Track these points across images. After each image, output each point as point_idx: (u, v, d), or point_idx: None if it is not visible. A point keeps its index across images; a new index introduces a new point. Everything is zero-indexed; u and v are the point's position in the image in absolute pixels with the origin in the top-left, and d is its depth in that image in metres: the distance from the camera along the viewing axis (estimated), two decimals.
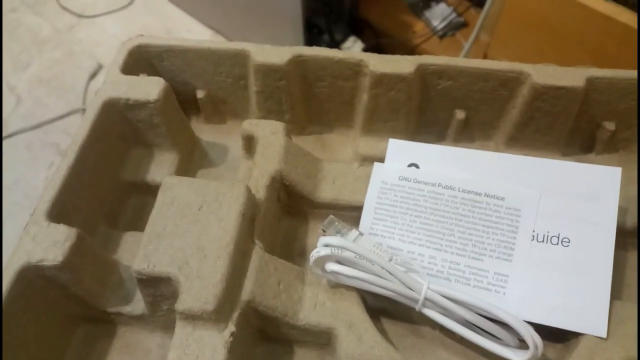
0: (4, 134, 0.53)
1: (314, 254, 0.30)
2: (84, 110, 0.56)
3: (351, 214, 0.36)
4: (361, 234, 0.33)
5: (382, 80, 0.38)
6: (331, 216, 0.34)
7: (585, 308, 0.30)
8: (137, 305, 0.32)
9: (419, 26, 0.72)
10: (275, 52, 0.39)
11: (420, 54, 0.39)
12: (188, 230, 0.30)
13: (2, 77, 0.58)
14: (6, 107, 0.56)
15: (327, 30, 0.64)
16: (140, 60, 0.41)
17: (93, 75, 0.58)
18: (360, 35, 0.70)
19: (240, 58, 0.40)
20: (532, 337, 0.28)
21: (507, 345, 0.30)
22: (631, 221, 0.35)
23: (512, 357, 0.29)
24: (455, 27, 0.72)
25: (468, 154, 0.36)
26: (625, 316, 0.30)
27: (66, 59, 0.61)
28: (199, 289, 0.28)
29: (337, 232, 0.33)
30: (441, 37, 0.69)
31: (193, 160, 0.42)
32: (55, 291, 0.30)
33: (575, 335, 0.31)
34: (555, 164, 0.34)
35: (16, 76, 0.58)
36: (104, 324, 0.33)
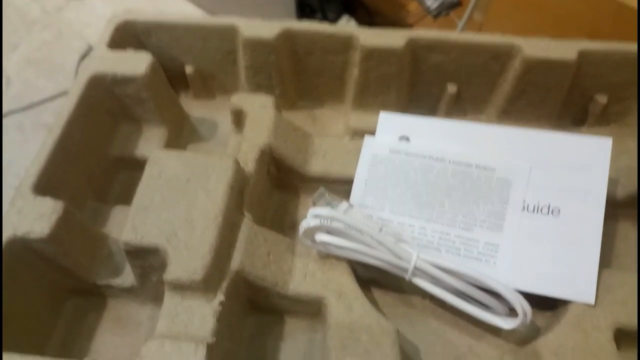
0: None
1: (304, 225, 0.30)
2: None
3: (342, 187, 0.36)
4: (351, 206, 0.33)
5: (373, 54, 0.38)
6: (321, 188, 0.34)
7: (574, 276, 0.30)
8: (127, 277, 0.32)
9: (412, 5, 0.71)
10: (265, 26, 0.39)
11: None
12: (176, 202, 0.30)
13: None
14: None
15: (319, 9, 0.63)
16: (127, 37, 0.41)
17: (83, 56, 0.57)
18: (353, 14, 0.69)
19: (229, 33, 0.40)
20: (521, 305, 0.28)
21: (496, 313, 0.30)
22: (622, 192, 0.35)
23: (501, 325, 0.29)
24: (449, 7, 0.71)
25: (459, 126, 0.36)
26: (613, 284, 0.31)
27: (55, 40, 0.60)
28: (187, 260, 0.27)
29: (327, 204, 0.33)
30: (435, 16, 0.68)
31: (182, 135, 0.42)
32: (43, 264, 0.30)
33: (564, 303, 0.31)
34: (546, 135, 0.34)
35: (5, 57, 0.58)
36: (94, 296, 0.33)
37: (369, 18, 0.64)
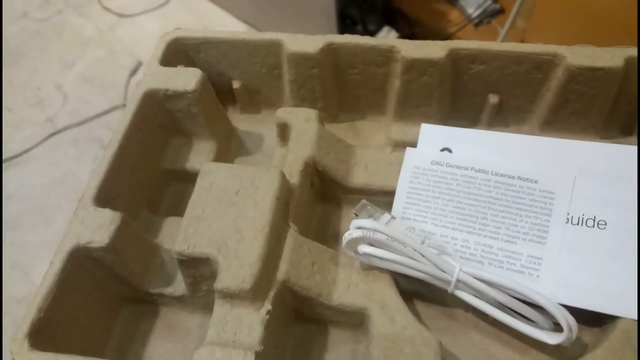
0: (52, 131, 0.56)
1: (347, 236, 0.31)
2: (124, 105, 0.58)
3: (384, 199, 0.37)
4: (393, 217, 0.34)
5: (414, 66, 0.38)
6: (363, 200, 0.35)
7: (621, 291, 0.30)
8: (178, 286, 0.34)
9: (453, 14, 0.71)
10: (308, 41, 0.40)
11: None
12: (226, 213, 0.31)
13: (49, 77, 0.62)
14: (54, 104, 0.59)
15: (360, 21, 0.64)
16: (177, 53, 0.43)
17: (133, 72, 0.60)
18: (394, 25, 0.70)
19: (274, 48, 0.41)
20: (567, 319, 0.28)
21: (540, 327, 0.30)
22: None
23: (545, 339, 0.29)
24: (491, 14, 0.70)
25: (500, 137, 0.36)
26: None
27: (108, 57, 0.63)
28: (237, 269, 0.29)
29: (370, 216, 0.34)
30: (476, 24, 0.68)
31: (230, 148, 0.43)
32: (102, 272, 0.32)
33: (612, 319, 0.30)
34: (589, 146, 0.34)
35: (62, 75, 0.62)
36: (147, 304, 0.35)
37: (409, 28, 0.64)
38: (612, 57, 0.37)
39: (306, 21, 0.60)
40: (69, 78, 0.62)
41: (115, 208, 0.32)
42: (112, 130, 0.36)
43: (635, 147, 0.33)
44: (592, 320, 0.31)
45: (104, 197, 0.33)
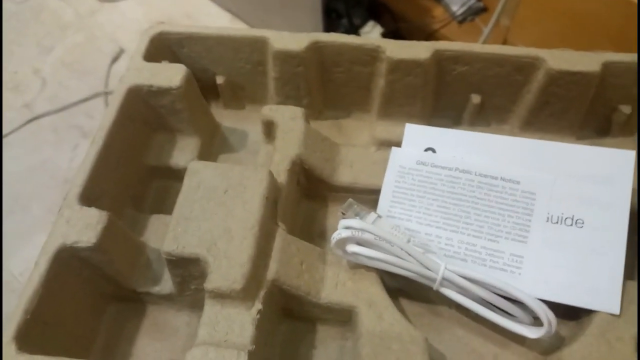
0: (30, 117, 0.54)
1: (336, 236, 0.31)
2: (106, 93, 0.57)
3: (369, 197, 0.37)
4: (379, 216, 0.34)
5: (399, 66, 0.39)
6: (350, 199, 0.35)
7: (599, 286, 0.31)
8: (165, 285, 0.33)
9: (438, 11, 0.71)
10: (293, 38, 0.40)
11: (439, 39, 0.39)
12: (215, 212, 0.31)
13: (27, 61, 0.60)
14: (32, 90, 0.57)
15: (346, 15, 0.64)
16: (161, 48, 0.42)
17: (115, 59, 0.59)
18: (379, 19, 0.70)
19: (259, 44, 0.41)
20: (546, 314, 0.29)
21: (521, 322, 0.31)
22: None
23: (526, 333, 0.30)
24: (475, 12, 0.71)
25: (484, 138, 0.37)
26: (637, 295, 0.31)
27: (88, 43, 0.62)
28: (227, 269, 0.29)
29: (356, 215, 0.34)
30: (460, 22, 0.68)
31: (214, 145, 0.43)
32: (88, 271, 0.32)
33: (588, 313, 0.32)
34: (569, 148, 0.35)
35: (41, 59, 0.60)
36: (134, 303, 0.35)
37: (394, 23, 0.65)
38: (590, 61, 0.38)
39: (291, 12, 0.60)
40: (48, 63, 0.60)
41: (101, 206, 0.32)
42: (92, 118, 0.36)
43: (614, 150, 0.34)
44: (568, 314, 0.33)
45: (89, 195, 0.33)
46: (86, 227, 0.30)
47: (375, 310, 0.31)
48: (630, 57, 0.38)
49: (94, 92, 0.45)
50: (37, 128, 0.54)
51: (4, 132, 0.52)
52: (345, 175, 0.38)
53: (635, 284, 0.32)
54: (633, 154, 0.34)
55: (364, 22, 0.65)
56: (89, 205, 0.32)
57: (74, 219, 0.31)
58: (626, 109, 0.41)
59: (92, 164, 0.34)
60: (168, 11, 0.63)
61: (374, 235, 0.31)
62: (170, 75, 0.38)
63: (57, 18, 0.65)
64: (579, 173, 0.34)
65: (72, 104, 0.57)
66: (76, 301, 0.32)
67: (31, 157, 0.51)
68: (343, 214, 0.35)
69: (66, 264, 0.30)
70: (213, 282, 0.29)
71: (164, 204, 0.39)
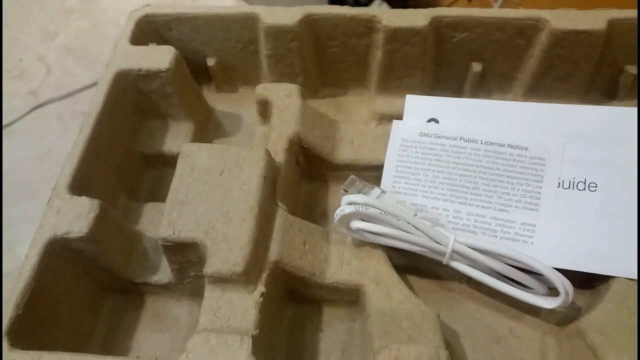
0: (36, 104, 0.53)
1: (339, 212, 0.30)
2: None
3: (371, 174, 0.36)
4: (383, 191, 0.33)
5: (396, 35, 0.37)
6: (352, 176, 0.34)
7: (615, 251, 0.30)
8: (164, 274, 0.32)
9: None
10: (285, 13, 0.38)
11: None
12: (211, 195, 0.30)
13: (31, 48, 0.59)
14: (37, 77, 0.56)
15: None
16: (148, 31, 0.41)
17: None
18: None
19: (250, 22, 0.39)
20: (563, 283, 0.28)
21: (536, 293, 0.30)
22: None
23: (543, 304, 0.29)
24: None
25: (487, 105, 0.35)
26: None
27: (92, 29, 0.61)
28: (227, 252, 0.28)
29: (359, 191, 0.33)
30: None
31: (208, 129, 0.41)
32: (83, 263, 0.31)
33: (603, 281, 0.31)
34: (576, 109, 0.34)
35: (45, 46, 0.59)
36: (132, 294, 0.33)
37: (401, 1, 0.63)
38: (595, 19, 0.36)
39: None
40: (52, 50, 0.59)
41: (92, 196, 0.30)
42: None
43: (622, 108, 0.33)
44: (583, 283, 0.31)
45: (79, 185, 0.32)
46: (77, 216, 0.29)
47: (384, 288, 0.30)
48: (635, 14, 0.37)
49: (98, 79, 0.44)
50: (42, 116, 0.52)
51: (9, 120, 0.51)
52: (345, 153, 0.36)
53: None
54: (635, 110, 0.32)
55: (370, 1, 0.63)
56: (80, 195, 0.30)
57: (64, 209, 0.29)
58: (633, 69, 0.39)
59: (80, 152, 0.32)
60: None
61: (379, 209, 0.30)
62: (158, 57, 0.37)
63: (60, 4, 0.63)
64: (589, 134, 0.32)
65: (77, 91, 0.56)
66: (71, 294, 0.30)
67: (37, 145, 0.50)
68: (345, 190, 0.33)
69: (58, 256, 0.29)
70: (212, 266, 0.27)
71: (159, 192, 0.38)
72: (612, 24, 0.36)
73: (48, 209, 0.30)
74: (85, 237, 0.29)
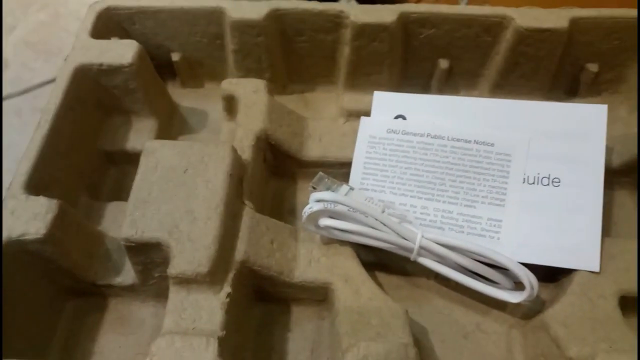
0: None
1: (307, 210, 0.29)
2: None
3: (340, 170, 0.36)
4: (352, 188, 0.33)
5: (364, 31, 0.37)
6: (320, 173, 0.34)
7: (578, 245, 0.31)
8: (127, 275, 0.31)
9: None
10: (252, 7, 0.38)
11: None
12: (175, 193, 0.29)
13: None
14: None
15: None
16: (109, 24, 0.39)
17: None
18: None
19: (216, 16, 0.39)
20: (528, 277, 0.28)
21: (503, 288, 0.30)
22: (617, 160, 0.35)
23: (509, 299, 0.29)
24: None
25: (454, 102, 0.35)
26: (616, 252, 0.31)
27: (52, 22, 0.58)
28: (191, 252, 0.27)
29: (328, 189, 0.33)
30: None
31: (172, 126, 0.40)
32: (41, 266, 0.29)
33: (566, 274, 0.31)
34: (541, 106, 0.34)
35: (2, 39, 0.56)
36: (94, 297, 0.32)
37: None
38: (558, 18, 0.37)
39: None
40: (10, 43, 0.56)
41: (51, 195, 0.29)
42: None
43: (585, 105, 0.33)
44: (547, 277, 0.32)
45: (37, 184, 0.30)
46: (34, 217, 0.28)
47: (352, 285, 0.29)
48: (596, 12, 0.37)
49: (57, 74, 0.42)
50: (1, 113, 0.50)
51: None
52: (314, 149, 0.36)
53: (613, 240, 0.31)
54: (605, 108, 0.33)
55: None
56: (37, 195, 0.29)
57: (20, 209, 0.28)
58: (593, 67, 0.40)
59: (37, 150, 0.31)
60: None
61: (347, 206, 0.30)
62: (121, 52, 0.36)
63: None
64: (553, 131, 0.33)
65: (36, 86, 0.53)
66: (28, 299, 0.29)
67: None
68: (314, 188, 0.33)
69: (13, 259, 0.28)
70: (177, 267, 0.27)
71: (122, 191, 0.37)
72: (574, 22, 0.37)
73: (2, 210, 0.28)
74: (42, 238, 0.27)
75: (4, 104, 0.52)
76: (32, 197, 0.29)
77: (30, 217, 0.28)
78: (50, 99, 0.33)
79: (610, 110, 0.33)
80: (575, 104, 0.34)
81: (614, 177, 0.36)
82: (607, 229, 0.34)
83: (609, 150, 0.35)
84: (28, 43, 0.57)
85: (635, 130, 0.35)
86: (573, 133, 0.33)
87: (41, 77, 0.53)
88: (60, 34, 0.57)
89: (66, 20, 0.59)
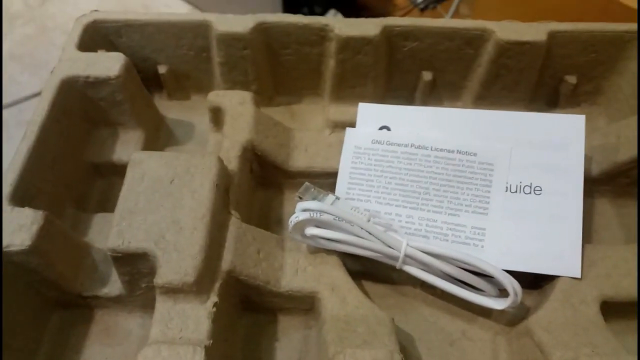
0: None
1: (293, 219, 0.30)
2: None
3: (326, 181, 0.36)
4: (338, 198, 0.33)
5: (349, 44, 0.38)
6: (307, 183, 0.34)
7: (560, 252, 0.31)
8: (114, 286, 0.31)
9: None
10: (238, 20, 0.38)
11: None
12: (161, 204, 0.29)
13: None
14: None
15: (306, 4, 0.62)
16: (96, 37, 0.40)
17: None
18: (340, 8, 0.69)
19: (202, 29, 0.39)
20: (512, 284, 0.29)
21: (487, 295, 0.31)
22: (596, 169, 0.36)
23: (493, 305, 0.30)
24: (437, 0, 0.71)
25: (438, 113, 0.36)
26: (597, 258, 0.31)
27: (39, 35, 0.58)
28: (178, 262, 0.27)
29: (314, 198, 0.33)
30: (422, 10, 0.68)
31: (159, 138, 0.41)
32: (26, 277, 0.29)
33: (549, 280, 0.32)
34: (523, 116, 0.35)
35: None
36: (80, 308, 0.32)
37: (356, 12, 0.64)
38: (537, 31, 0.38)
39: (251, 2, 0.58)
40: None
41: (37, 207, 0.29)
42: None
43: (565, 115, 0.34)
44: (531, 284, 0.32)
45: (22, 196, 0.30)
46: (19, 228, 0.28)
47: (339, 294, 0.30)
48: (573, 26, 0.39)
49: (43, 86, 0.42)
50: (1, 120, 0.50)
51: None
52: (300, 160, 0.36)
53: (593, 246, 0.32)
54: (583, 118, 0.34)
55: (324, 11, 0.64)
56: (23, 206, 0.29)
57: (5, 220, 0.28)
58: (572, 79, 0.41)
59: (23, 162, 0.31)
60: (124, 1, 0.60)
61: (333, 215, 0.30)
62: (107, 64, 0.36)
63: (4, 8, 0.60)
64: (534, 141, 0.34)
65: (22, 99, 0.53)
66: (13, 310, 0.29)
67: None
68: (300, 197, 0.33)
69: None
70: (163, 276, 0.27)
71: (109, 202, 0.37)
72: (552, 35, 0.38)
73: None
74: (27, 249, 0.27)
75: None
76: (18, 209, 0.29)
77: (16, 229, 0.28)
78: (37, 111, 0.33)
79: (589, 121, 0.34)
80: (554, 115, 0.34)
81: (593, 185, 0.37)
82: (587, 236, 0.35)
83: (588, 160, 0.36)
84: (14, 56, 0.57)
85: (613, 140, 0.36)
86: (553, 143, 0.33)
87: (27, 90, 0.54)
88: (47, 47, 0.58)
89: (53, 34, 0.59)
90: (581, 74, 0.41)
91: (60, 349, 0.31)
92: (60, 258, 0.30)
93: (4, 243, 0.27)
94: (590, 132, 0.36)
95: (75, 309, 0.32)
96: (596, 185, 0.37)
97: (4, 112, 0.52)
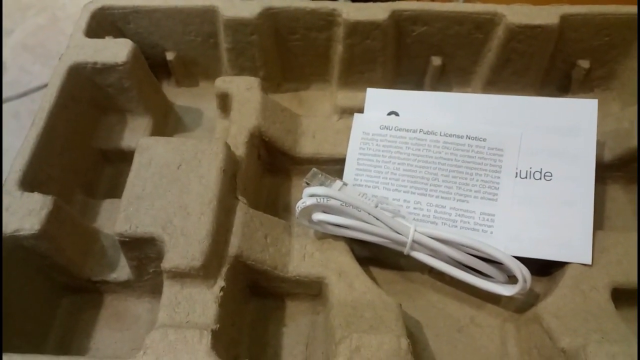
0: None
1: (300, 205, 0.30)
2: None
3: (333, 167, 0.36)
4: (345, 184, 0.33)
5: (357, 29, 0.37)
6: (314, 169, 0.34)
7: (570, 238, 0.31)
8: (122, 271, 0.31)
9: None
10: (245, 6, 0.38)
11: None
12: (168, 189, 0.29)
13: None
14: None
15: None
16: (104, 24, 0.40)
17: None
18: None
19: (209, 15, 0.39)
20: (521, 270, 0.29)
21: (496, 281, 0.30)
22: (609, 155, 0.36)
23: (502, 292, 0.30)
24: None
25: (446, 98, 0.36)
26: (608, 245, 0.31)
27: (50, 25, 0.58)
28: (185, 247, 0.27)
29: (321, 184, 0.33)
30: None
31: (167, 124, 0.41)
32: (36, 262, 0.29)
33: (559, 267, 0.31)
34: (533, 101, 0.34)
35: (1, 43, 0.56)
36: (90, 293, 0.32)
37: None
38: (549, 14, 0.37)
39: None
40: (8, 46, 0.56)
41: (46, 192, 0.29)
42: None
43: (576, 100, 0.34)
44: (540, 270, 0.32)
45: (31, 181, 0.30)
46: (29, 213, 0.28)
47: (346, 279, 0.30)
48: (587, 9, 0.38)
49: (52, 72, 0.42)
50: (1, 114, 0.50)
51: None
52: (307, 146, 0.36)
53: (605, 233, 0.32)
54: (595, 102, 0.33)
55: None
56: (32, 192, 0.29)
57: (15, 205, 0.28)
58: (584, 63, 0.40)
59: (32, 148, 0.31)
60: None
61: (340, 201, 0.30)
62: (115, 50, 0.36)
63: None
64: (545, 125, 0.33)
65: (34, 89, 0.54)
66: (24, 295, 0.29)
67: None
68: (307, 183, 0.33)
69: (8, 255, 0.28)
70: (170, 261, 0.27)
71: (117, 188, 0.37)
72: (565, 19, 0.37)
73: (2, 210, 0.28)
74: (37, 234, 0.28)
75: (3, 107, 0.52)
76: (27, 194, 0.29)
77: (25, 213, 0.28)
78: (45, 98, 0.34)
79: (602, 106, 0.34)
80: (566, 99, 0.34)
81: (605, 171, 0.36)
82: (599, 223, 0.34)
83: (600, 145, 0.35)
84: (26, 46, 0.57)
85: (626, 125, 0.35)
86: (564, 128, 0.33)
87: (39, 80, 0.54)
88: (58, 37, 0.57)
89: (64, 24, 0.59)
90: (594, 58, 0.40)
91: (71, 333, 0.31)
92: (69, 243, 0.30)
93: (14, 227, 0.28)
94: (603, 117, 0.35)
95: (84, 293, 0.32)
96: (608, 171, 0.36)
97: (17, 102, 0.52)
